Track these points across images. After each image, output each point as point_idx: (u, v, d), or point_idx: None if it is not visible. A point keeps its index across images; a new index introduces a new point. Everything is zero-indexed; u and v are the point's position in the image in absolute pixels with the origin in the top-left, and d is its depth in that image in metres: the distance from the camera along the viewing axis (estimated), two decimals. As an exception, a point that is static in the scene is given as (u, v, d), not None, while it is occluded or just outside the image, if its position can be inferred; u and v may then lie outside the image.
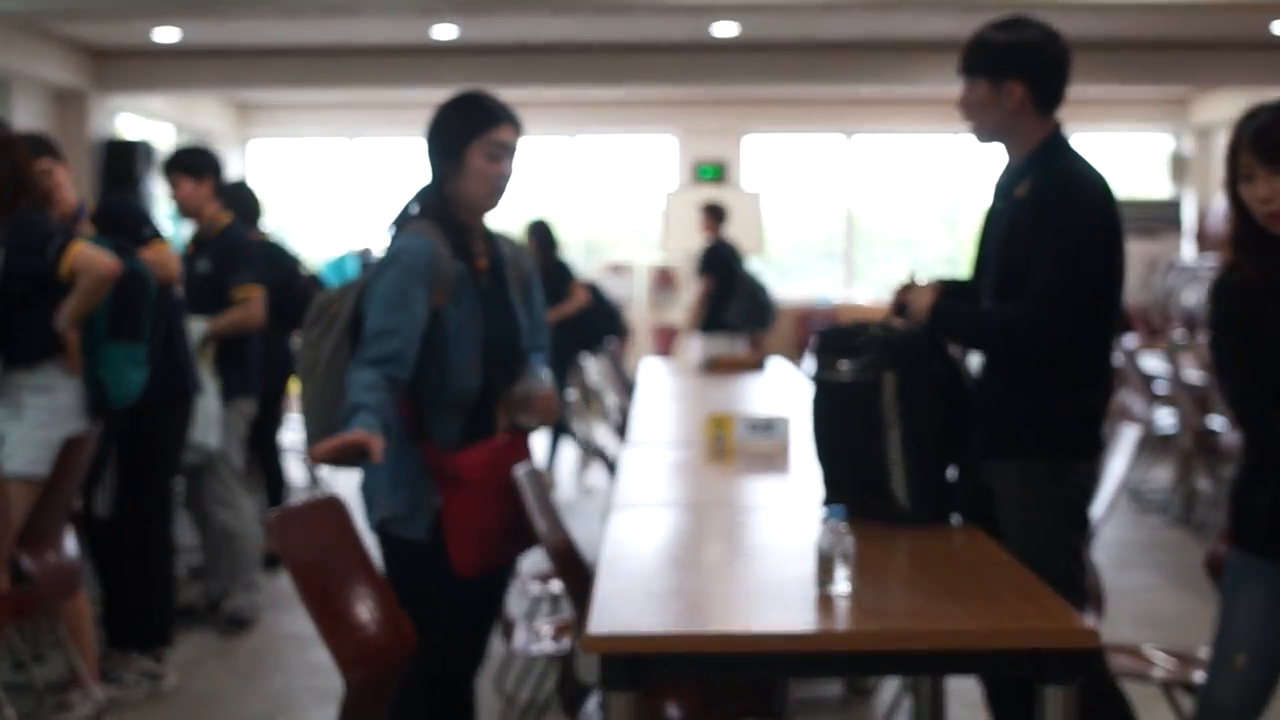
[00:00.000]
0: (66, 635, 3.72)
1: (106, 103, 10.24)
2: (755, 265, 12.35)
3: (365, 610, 2.50)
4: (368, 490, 2.86)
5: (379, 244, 7.04)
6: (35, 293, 3.63)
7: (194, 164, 4.91)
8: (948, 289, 2.93)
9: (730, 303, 8.77)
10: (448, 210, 2.83)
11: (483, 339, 2.81)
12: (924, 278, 2.94)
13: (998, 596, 2.31)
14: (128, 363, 3.85)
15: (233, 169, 12.07)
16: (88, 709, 3.76)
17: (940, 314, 2.81)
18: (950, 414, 2.82)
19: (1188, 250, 11.92)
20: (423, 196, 2.86)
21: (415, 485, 2.79)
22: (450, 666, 2.94)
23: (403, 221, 2.84)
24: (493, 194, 2.83)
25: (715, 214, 9.01)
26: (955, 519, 2.83)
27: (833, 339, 2.90)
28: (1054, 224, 2.71)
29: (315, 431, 2.77)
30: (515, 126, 2.84)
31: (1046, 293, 2.70)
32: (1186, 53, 10.08)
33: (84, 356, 3.73)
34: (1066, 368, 2.76)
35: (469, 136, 2.79)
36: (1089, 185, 2.76)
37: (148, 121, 11.03)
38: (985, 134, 2.88)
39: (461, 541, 2.78)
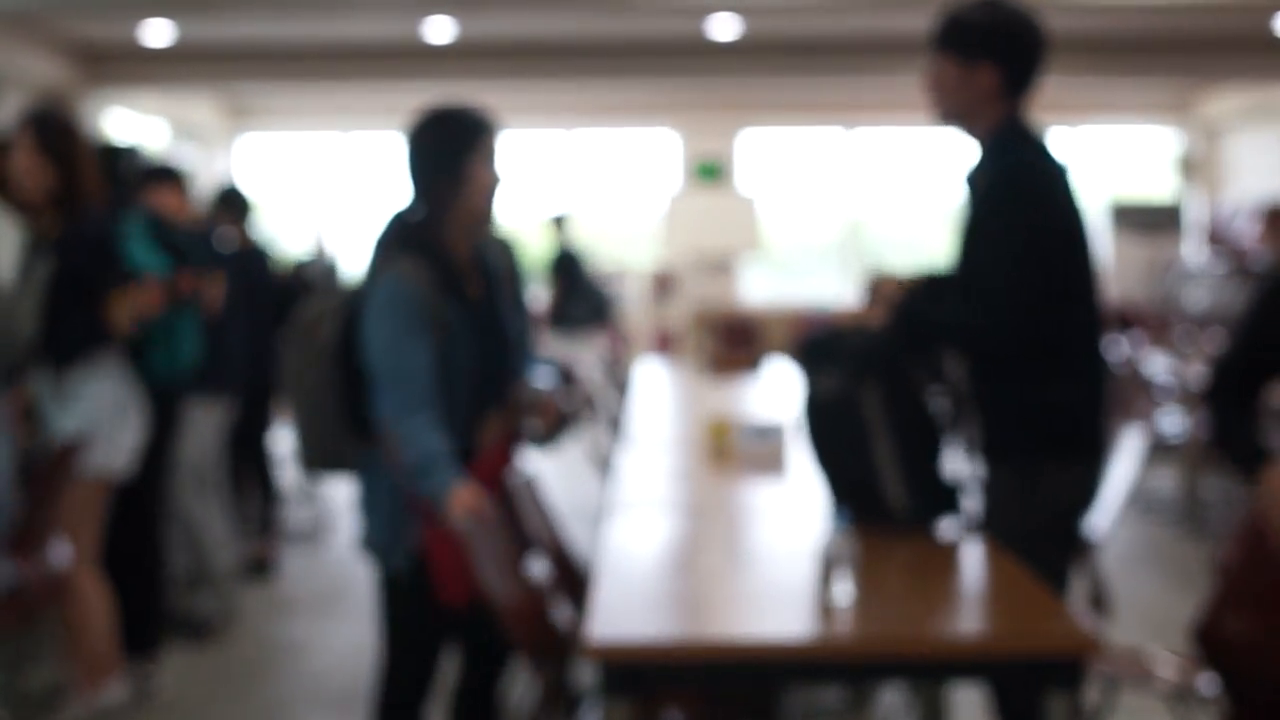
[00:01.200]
0: (67, 636, 3.69)
1: (97, 99, 10.19)
2: (758, 264, 12.43)
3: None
4: (361, 512, 2.81)
5: (343, 251, 7.06)
6: (83, 295, 3.64)
7: (156, 174, 4.92)
8: (932, 284, 2.86)
9: (573, 303, 9.83)
10: (436, 241, 2.73)
11: (474, 372, 2.74)
12: (897, 271, 2.88)
13: (999, 602, 2.29)
14: (175, 336, 3.92)
15: (224, 165, 12.05)
16: (78, 714, 3.72)
17: (904, 315, 2.75)
18: (935, 414, 2.78)
19: (1188, 252, 11.90)
20: (404, 229, 2.75)
21: (397, 515, 2.72)
22: (472, 681, 2.91)
23: (385, 259, 2.73)
24: (491, 204, 2.76)
25: (559, 223, 9.88)
26: (958, 515, 2.79)
27: (814, 349, 2.85)
28: (998, 220, 2.65)
29: (309, 452, 2.77)
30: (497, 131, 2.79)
31: (986, 292, 2.65)
32: (1191, 50, 10.05)
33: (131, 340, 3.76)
34: (1033, 366, 2.69)
35: (467, 148, 2.71)
36: (1033, 178, 2.68)
37: (139, 116, 10.97)
38: (948, 116, 2.80)
39: (449, 575, 2.68)
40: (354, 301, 2.74)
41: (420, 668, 2.78)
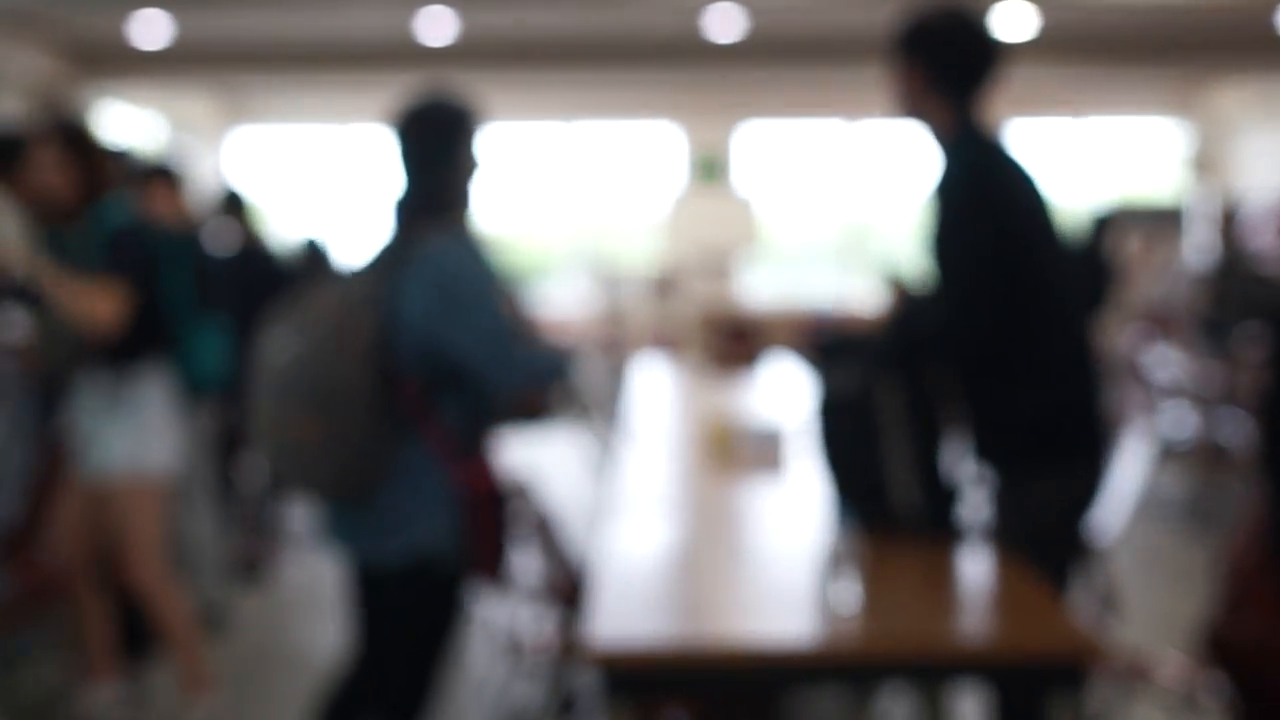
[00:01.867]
0: (85, 626, 3.70)
1: (91, 94, 10.16)
2: (759, 263, 12.40)
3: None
4: (388, 515, 2.68)
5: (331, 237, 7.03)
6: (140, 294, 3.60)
7: (150, 174, 4.89)
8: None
9: None
10: (456, 223, 2.75)
11: None
12: (910, 275, 2.89)
13: (1002, 605, 2.29)
14: (211, 337, 3.88)
15: (220, 158, 12.03)
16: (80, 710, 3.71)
17: (899, 328, 2.78)
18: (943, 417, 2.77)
19: (1196, 248, 11.87)
20: (421, 212, 2.73)
21: (442, 496, 2.68)
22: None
23: (417, 239, 2.69)
24: (475, 190, 2.80)
25: None
26: (961, 519, 2.76)
27: (830, 349, 2.85)
28: (940, 228, 2.69)
29: (328, 477, 2.59)
30: None
31: (953, 301, 2.67)
32: (1196, 46, 10.04)
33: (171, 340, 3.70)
34: (1010, 372, 2.69)
35: (467, 135, 2.75)
36: (987, 183, 2.69)
37: (133, 111, 10.94)
38: (902, 114, 2.85)
39: (490, 563, 2.69)
40: (380, 293, 2.65)
41: (442, 656, 2.76)
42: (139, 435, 3.57)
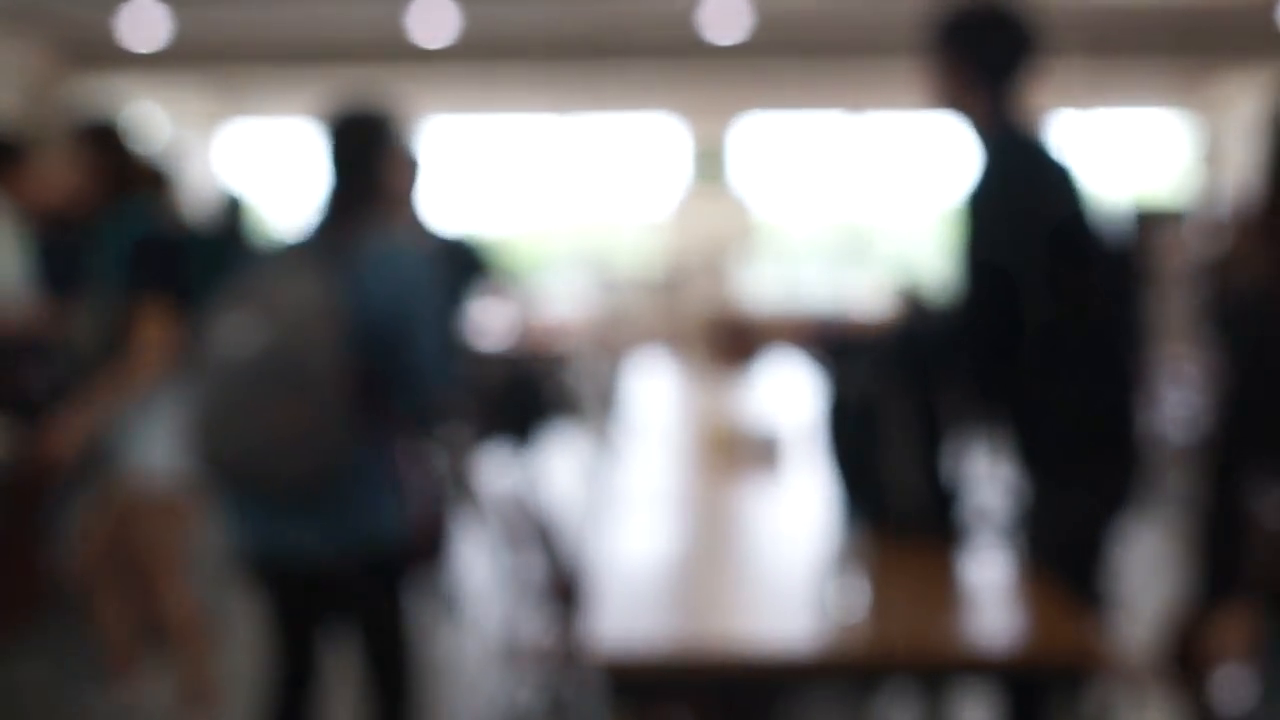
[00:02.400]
0: (97, 630, 3.72)
1: (83, 88, 10.14)
2: (760, 264, 12.38)
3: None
4: (349, 505, 2.66)
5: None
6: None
7: None
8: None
9: None
10: (378, 213, 2.79)
11: None
12: (922, 281, 2.89)
13: (1005, 609, 2.29)
14: None
15: (215, 151, 12.02)
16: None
17: (907, 339, 2.80)
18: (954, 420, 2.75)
19: (1203, 245, 11.85)
20: (348, 203, 2.75)
21: (400, 494, 2.70)
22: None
23: (348, 227, 2.72)
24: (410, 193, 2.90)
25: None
26: (968, 521, 2.74)
27: (838, 352, 2.85)
28: (973, 229, 2.69)
29: (305, 467, 2.57)
30: None
31: (960, 309, 2.67)
32: (1202, 41, 10.02)
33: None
34: (1044, 372, 2.69)
35: (391, 141, 2.79)
36: (1022, 184, 2.70)
37: (127, 104, 10.91)
38: (941, 108, 2.85)
39: (429, 547, 2.78)
40: (341, 285, 2.62)
41: (410, 640, 2.79)
42: (177, 439, 3.53)
